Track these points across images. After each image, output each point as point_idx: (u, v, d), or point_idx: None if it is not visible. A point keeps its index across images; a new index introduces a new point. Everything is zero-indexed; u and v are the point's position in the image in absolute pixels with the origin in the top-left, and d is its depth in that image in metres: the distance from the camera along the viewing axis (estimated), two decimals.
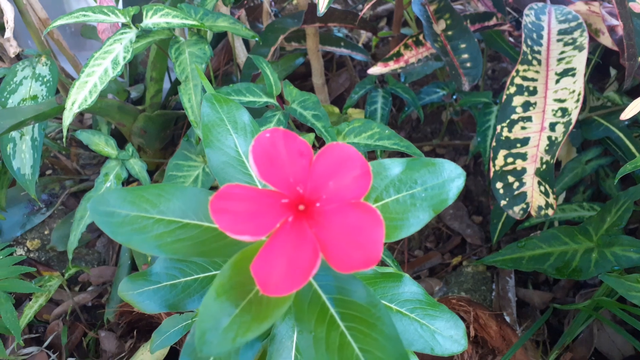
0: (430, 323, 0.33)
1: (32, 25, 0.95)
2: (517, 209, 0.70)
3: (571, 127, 0.64)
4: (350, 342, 0.25)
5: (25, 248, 1.01)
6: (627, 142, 0.80)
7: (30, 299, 0.91)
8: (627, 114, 0.45)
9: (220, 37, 1.11)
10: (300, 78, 1.19)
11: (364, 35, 1.26)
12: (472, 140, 1.00)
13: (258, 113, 0.72)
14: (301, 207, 0.24)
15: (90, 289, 0.99)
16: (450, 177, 0.29)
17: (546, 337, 0.81)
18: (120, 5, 0.99)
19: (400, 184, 0.29)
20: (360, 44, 1.25)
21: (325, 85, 1.05)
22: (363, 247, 0.23)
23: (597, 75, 1.04)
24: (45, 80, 0.86)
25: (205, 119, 0.32)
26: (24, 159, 0.83)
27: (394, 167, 0.30)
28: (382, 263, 0.75)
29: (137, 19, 0.72)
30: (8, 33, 0.89)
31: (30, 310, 0.82)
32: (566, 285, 0.89)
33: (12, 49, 0.92)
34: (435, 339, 0.32)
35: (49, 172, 1.11)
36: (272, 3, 1.17)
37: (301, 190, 0.24)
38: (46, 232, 1.02)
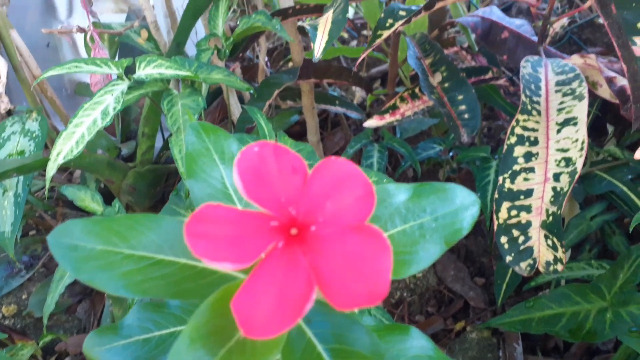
0: None
1: (26, 82, 0.94)
2: (523, 264, 0.65)
3: (577, 176, 0.62)
4: None
5: (1, 314, 0.94)
6: (633, 196, 0.77)
7: None
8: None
9: (215, 95, 1.11)
10: (295, 136, 1.17)
11: (358, 95, 1.26)
12: None
13: None
14: (293, 231, 0.21)
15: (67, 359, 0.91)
16: (464, 205, 0.26)
17: None
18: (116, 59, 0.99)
19: (407, 212, 0.26)
20: (356, 98, 1.25)
21: (320, 142, 1.04)
22: (367, 278, 0.19)
23: (593, 133, 1.04)
24: (34, 135, 0.84)
25: (189, 147, 0.29)
26: (4, 215, 0.79)
27: (400, 193, 0.26)
28: None
29: (130, 71, 0.71)
30: (0, 89, 0.88)
31: None
32: (577, 352, 0.83)
33: (3, 105, 0.90)
34: None
35: (32, 232, 1.06)
36: (268, 63, 1.18)
37: (294, 211, 0.21)
38: (24, 297, 0.96)
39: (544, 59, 0.76)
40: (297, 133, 1.16)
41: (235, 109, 0.98)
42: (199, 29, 1.08)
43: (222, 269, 0.18)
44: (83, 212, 1.07)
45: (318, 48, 0.56)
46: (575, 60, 0.78)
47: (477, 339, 0.86)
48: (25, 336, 0.94)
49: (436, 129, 1.06)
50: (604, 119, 0.98)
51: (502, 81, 0.84)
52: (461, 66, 1.09)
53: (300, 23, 0.83)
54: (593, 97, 0.78)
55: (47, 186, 0.66)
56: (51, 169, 0.65)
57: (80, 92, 1.11)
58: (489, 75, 0.82)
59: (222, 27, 0.80)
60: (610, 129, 0.99)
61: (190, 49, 1.01)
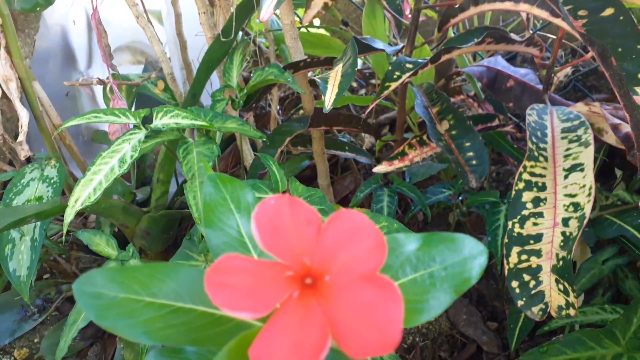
0: None
1: (46, 131, 0.97)
2: (535, 309, 0.65)
3: (585, 221, 0.62)
4: None
5: (12, 358, 0.94)
6: None
7: None
8: None
9: (228, 142, 1.14)
10: (306, 181, 1.19)
11: (367, 141, 1.29)
12: (481, 242, 0.97)
13: None
14: (308, 281, 0.22)
15: None
16: (472, 254, 0.27)
17: None
18: (133, 109, 1.03)
19: (418, 261, 0.27)
20: (365, 144, 1.27)
21: (331, 187, 1.05)
22: (379, 327, 0.20)
23: (602, 177, 1.04)
24: (52, 181, 0.87)
25: (207, 198, 0.31)
26: (21, 260, 0.81)
27: (410, 242, 0.27)
28: None
29: (147, 120, 0.74)
30: (21, 137, 0.91)
31: None
32: None
33: (24, 152, 0.94)
34: None
35: (46, 276, 1.07)
36: (280, 111, 1.22)
37: (308, 261, 0.22)
38: (36, 340, 0.96)
39: (549, 107, 0.78)
40: (308, 177, 1.18)
41: (248, 155, 1.00)
42: (214, 80, 1.12)
43: (240, 318, 0.20)
44: (97, 256, 1.08)
45: (328, 100, 0.58)
46: (580, 107, 0.79)
47: None
48: None
49: (445, 174, 1.07)
50: (612, 163, 0.99)
51: (509, 128, 0.85)
52: (468, 114, 1.11)
53: (310, 74, 0.87)
54: (600, 142, 0.79)
55: (65, 231, 0.67)
56: (69, 215, 0.67)
57: (98, 140, 1.14)
58: (496, 122, 0.84)
59: (237, 79, 0.83)
60: (618, 173, 1.00)
61: (205, 99, 1.05)
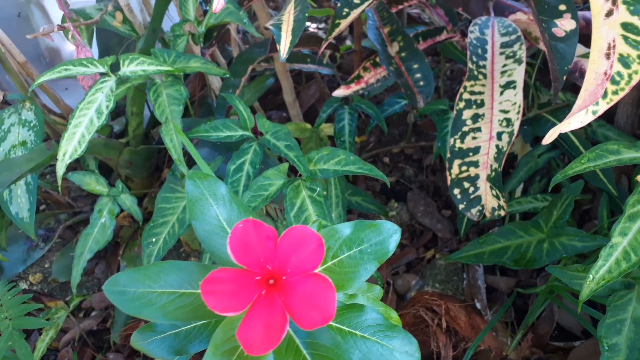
0: (389, 343, 0.40)
1: (13, 71, 1.00)
2: (474, 211, 0.78)
3: (514, 137, 0.72)
4: None
5: (28, 282, 1.07)
6: (572, 137, 0.88)
7: (41, 333, 0.98)
8: (546, 140, 0.52)
9: None
10: (272, 93, 1.25)
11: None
12: (435, 142, 1.07)
13: (235, 145, 0.78)
14: (271, 282, 0.31)
15: (93, 314, 1.05)
16: (389, 234, 0.37)
17: (513, 318, 0.90)
18: (95, 49, 1.04)
19: (351, 242, 0.36)
20: (326, 57, 1.31)
21: (297, 100, 1.12)
22: (321, 308, 0.30)
23: (546, 70, 1.12)
24: (32, 125, 0.91)
25: (189, 195, 0.39)
26: (20, 203, 0.89)
27: (345, 229, 0.37)
28: None
29: (114, 68, 0.78)
30: None
31: (42, 343, 0.88)
32: (529, 269, 0.98)
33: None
34: (394, 355, 0.40)
35: (42, 207, 1.16)
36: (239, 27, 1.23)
37: (270, 267, 0.32)
38: (46, 265, 1.08)
39: (491, 19, 0.84)
40: (274, 89, 1.23)
41: (214, 79, 1.04)
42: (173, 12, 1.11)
43: (228, 315, 0.29)
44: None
45: (284, 49, 0.63)
46: (519, 16, 0.85)
47: (444, 265, 1.00)
48: (53, 298, 1.07)
49: None
50: None
51: (456, 38, 0.91)
52: (423, 16, 1.15)
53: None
54: (537, 47, 0.85)
55: (60, 182, 0.75)
56: (60, 169, 0.74)
57: None
58: (444, 35, 0.89)
59: (194, 12, 0.85)
60: None
61: (166, 24, 1.06)
